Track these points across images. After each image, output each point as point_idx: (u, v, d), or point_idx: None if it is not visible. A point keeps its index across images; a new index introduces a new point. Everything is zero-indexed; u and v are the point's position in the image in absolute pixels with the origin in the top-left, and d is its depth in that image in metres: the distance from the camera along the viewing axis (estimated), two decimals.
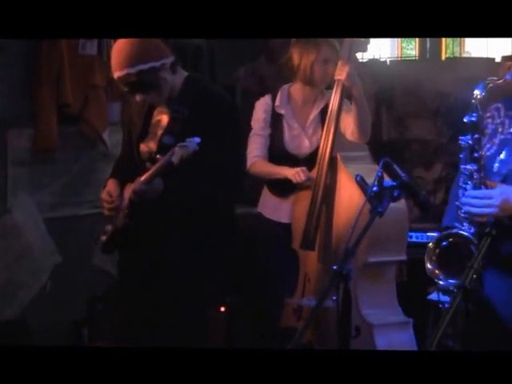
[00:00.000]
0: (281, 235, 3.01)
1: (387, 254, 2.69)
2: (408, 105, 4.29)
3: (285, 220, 3.04)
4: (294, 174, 2.88)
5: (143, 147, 2.63)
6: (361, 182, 1.97)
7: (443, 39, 4.55)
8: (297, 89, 3.09)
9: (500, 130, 2.02)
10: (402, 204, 2.57)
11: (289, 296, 2.90)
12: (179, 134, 2.47)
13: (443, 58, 4.64)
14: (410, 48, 4.97)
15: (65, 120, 3.51)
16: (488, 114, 2.05)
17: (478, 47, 4.64)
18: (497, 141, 2.01)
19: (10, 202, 3.36)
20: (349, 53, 2.85)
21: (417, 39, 4.66)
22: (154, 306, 2.55)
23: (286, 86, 3.12)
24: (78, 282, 3.52)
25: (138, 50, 2.44)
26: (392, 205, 1.93)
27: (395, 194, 1.92)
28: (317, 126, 3.05)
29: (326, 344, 2.61)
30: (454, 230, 1.94)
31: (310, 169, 2.91)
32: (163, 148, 2.51)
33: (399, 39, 4.87)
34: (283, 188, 3.02)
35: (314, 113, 3.07)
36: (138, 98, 2.53)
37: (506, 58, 3.76)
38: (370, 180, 1.92)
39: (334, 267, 1.85)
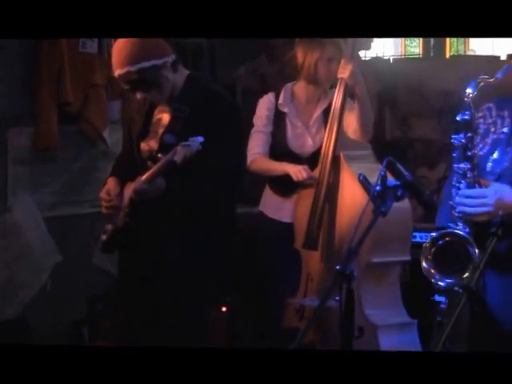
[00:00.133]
0: (283, 235, 3.01)
1: (391, 254, 2.69)
2: (412, 104, 4.29)
3: (287, 219, 3.04)
4: (296, 171, 2.88)
5: (144, 146, 2.63)
6: (364, 182, 1.96)
7: None
8: (300, 87, 3.09)
9: (492, 129, 2.03)
10: (405, 203, 2.57)
11: (291, 296, 2.90)
12: (180, 133, 2.47)
13: (447, 56, 4.63)
14: (414, 46, 4.96)
15: (65, 119, 3.52)
16: (480, 114, 2.05)
17: (482, 45, 4.63)
18: (489, 140, 2.02)
19: (10, 201, 3.37)
20: (352, 51, 2.86)
21: None
22: (154, 306, 2.55)
23: (289, 85, 3.12)
24: (79, 281, 3.54)
25: (139, 48, 2.45)
26: (396, 204, 1.93)
27: (399, 194, 1.91)
28: (320, 125, 3.06)
29: (329, 344, 2.61)
30: (450, 230, 1.94)
31: (312, 168, 2.91)
32: (164, 147, 2.51)
33: None
34: (285, 187, 3.03)
35: (318, 112, 3.07)
36: (138, 96, 2.53)
37: (511, 56, 3.75)
38: (373, 179, 1.92)
39: (337, 267, 1.85)
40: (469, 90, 1.94)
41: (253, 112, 3.16)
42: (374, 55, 4.70)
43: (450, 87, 4.07)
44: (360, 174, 1.97)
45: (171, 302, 2.53)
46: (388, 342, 2.57)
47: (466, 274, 1.86)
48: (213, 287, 2.65)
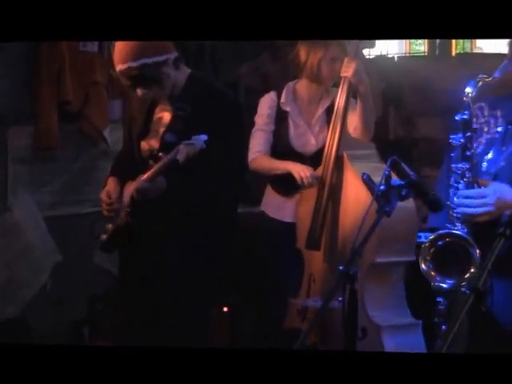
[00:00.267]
0: (284, 235, 3.02)
1: (395, 254, 2.69)
2: (416, 103, 4.28)
3: (289, 219, 3.04)
4: (299, 170, 2.88)
5: (144, 145, 2.64)
6: (368, 181, 1.97)
7: None
8: (303, 86, 3.10)
9: (486, 129, 2.04)
10: (410, 203, 2.57)
11: (293, 297, 2.90)
12: (182, 132, 2.48)
13: (453, 53, 4.62)
14: (419, 44, 4.96)
15: (65, 118, 3.53)
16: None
17: (490, 43, 4.62)
18: (483, 140, 2.03)
19: (10, 201, 3.39)
20: (356, 49, 2.86)
21: None
22: (155, 306, 2.56)
23: (291, 83, 3.13)
24: (79, 281, 3.55)
25: (140, 44, 2.46)
26: (400, 204, 1.93)
27: (403, 193, 1.91)
28: (323, 124, 3.06)
29: (331, 346, 2.61)
30: (448, 230, 1.94)
31: (315, 167, 2.91)
32: (165, 145, 2.52)
33: None
34: (287, 186, 3.03)
35: (320, 111, 3.08)
36: (139, 92, 2.54)
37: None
38: (377, 179, 1.92)
39: (340, 267, 1.85)
40: (468, 90, 1.95)
41: (255, 111, 3.16)
42: (379, 53, 4.70)
43: (456, 86, 4.06)
44: (364, 174, 1.97)
45: (173, 301, 2.54)
46: (392, 343, 2.57)
47: (467, 275, 1.86)
48: (214, 287, 2.66)
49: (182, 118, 2.54)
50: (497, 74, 1.96)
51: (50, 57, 3.42)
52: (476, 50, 4.68)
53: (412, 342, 2.60)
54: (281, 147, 3.07)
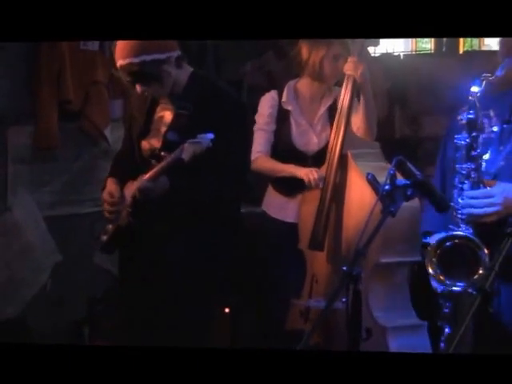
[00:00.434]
0: (286, 235, 3.03)
1: (400, 254, 2.70)
2: (422, 101, 4.28)
3: (291, 219, 3.05)
4: (307, 172, 2.88)
5: (145, 144, 2.65)
6: (372, 181, 1.97)
7: None
8: (304, 84, 3.11)
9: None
10: (415, 203, 2.59)
11: (295, 297, 2.91)
12: (184, 131, 2.49)
13: (461, 51, 4.62)
14: (425, 41, 4.96)
15: (66, 117, 3.55)
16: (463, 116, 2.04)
17: (498, 40, 4.61)
18: (480, 140, 2.02)
19: (10, 200, 3.41)
20: (361, 47, 2.87)
21: None
22: (158, 306, 2.58)
23: (292, 82, 3.13)
24: (79, 281, 3.56)
25: (143, 41, 2.47)
26: (405, 204, 1.93)
27: (409, 193, 1.91)
28: (325, 122, 3.07)
29: (335, 347, 2.62)
30: (454, 232, 1.94)
31: (317, 166, 2.92)
32: (168, 144, 2.53)
33: None
34: (290, 187, 3.04)
35: (322, 109, 3.09)
36: (138, 88, 2.55)
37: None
38: (382, 179, 1.92)
39: (344, 268, 1.86)
40: (474, 89, 1.96)
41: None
42: (384, 51, 4.70)
43: (464, 84, 4.06)
44: (368, 174, 1.97)
45: (175, 301, 2.55)
46: (397, 345, 2.59)
47: (476, 277, 1.87)
48: (216, 287, 2.67)
49: (185, 117, 2.55)
50: (499, 73, 1.97)
51: (50, 56, 3.44)
52: (484, 48, 4.68)
53: (417, 343, 2.61)
54: (283, 146, 3.08)
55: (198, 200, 2.54)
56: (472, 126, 1.96)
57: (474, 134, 1.96)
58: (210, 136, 2.38)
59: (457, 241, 1.94)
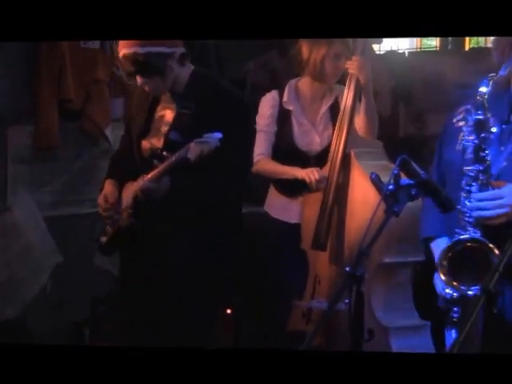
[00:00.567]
0: (288, 236, 3.04)
1: (403, 254, 2.71)
2: (428, 100, 4.27)
3: (294, 220, 3.06)
4: (308, 172, 2.89)
5: (145, 144, 2.66)
6: (376, 181, 1.96)
7: None
8: (305, 84, 3.11)
9: None
10: (418, 202, 2.60)
11: (297, 299, 2.92)
12: (187, 130, 2.51)
13: (467, 48, 4.61)
14: (430, 38, 4.96)
15: (66, 116, 3.57)
16: (459, 117, 2.04)
17: (492, 40, 4.61)
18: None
19: (9, 200, 3.43)
20: (363, 45, 2.88)
21: None
22: (161, 307, 2.59)
23: (293, 81, 3.13)
24: (79, 281, 3.58)
25: None
26: (409, 204, 1.93)
27: (413, 193, 1.91)
28: (327, 122, 3.08)
29: (337, 348, 2.63)
30: (466, 236, 1.94)
31: (320, 166, 2.93)
32: (170, 144, 2.54)
33: None
34: (291, 187, 3.04)
35: (324, 108, 3.09)
36: (139, 80, 2.55)
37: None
38: (386, 178, 1.93)
39: (347, 269, 1.87)
40: (482, 89, 1.94)
41: None
42: (389, 49, 4.70)
43: (470, 82, 4.06)
44: (372, 173, 1.97)
45: (179, 302, 2.57)
46: (400, 345, 2.60)
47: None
48: (220, 288, 2.69)
49: (187, 116, 2.55)
50: (502, 72, 1.96)
51: (50, 56, 3.45)
52: (490, 45, 4.67)
53: (419, 343, 2.63)
54: (285, 147, 3.08)
55: (203, 200, 2.54)
56: (480, 126, 1.94)
57: (482, 135, 1.94)
58: (218, 135, 2.37)
59: (469, 244, 1.93)
